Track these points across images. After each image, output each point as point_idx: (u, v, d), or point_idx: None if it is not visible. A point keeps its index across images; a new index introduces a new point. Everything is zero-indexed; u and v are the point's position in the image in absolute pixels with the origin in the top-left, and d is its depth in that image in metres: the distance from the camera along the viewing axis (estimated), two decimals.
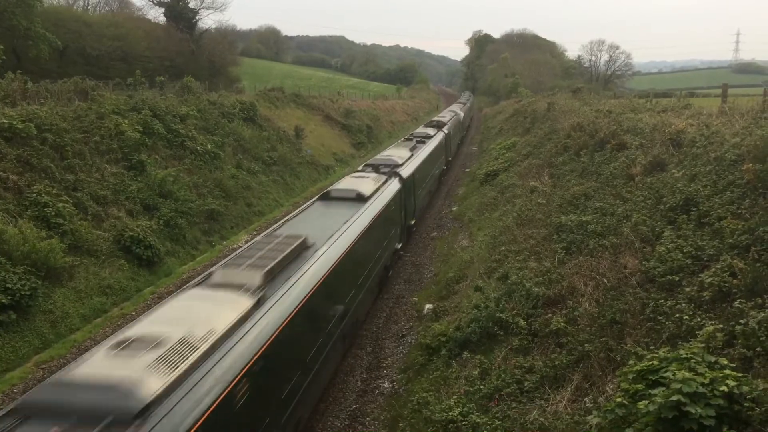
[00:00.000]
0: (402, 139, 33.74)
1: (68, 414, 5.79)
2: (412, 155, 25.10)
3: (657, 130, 16.25)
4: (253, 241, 11.93)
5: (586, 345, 9.17)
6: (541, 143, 27.96)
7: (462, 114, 57.80)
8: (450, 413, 9.68)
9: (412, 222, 23.18)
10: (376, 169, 20.94)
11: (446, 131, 38.23)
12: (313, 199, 16.79)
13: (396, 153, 24.82)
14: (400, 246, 20.57)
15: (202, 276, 10.06)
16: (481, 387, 10.15)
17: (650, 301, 8.85)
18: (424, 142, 29.88)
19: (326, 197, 16.44)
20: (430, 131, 34.76)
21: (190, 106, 30.86)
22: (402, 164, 22.30)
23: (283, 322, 9.02)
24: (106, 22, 52.03)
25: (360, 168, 22.32)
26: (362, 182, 17.67)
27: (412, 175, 22.42)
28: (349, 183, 17.85)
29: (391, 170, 20.72)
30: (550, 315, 10.90)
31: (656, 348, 7.37)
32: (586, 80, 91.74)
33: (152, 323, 7.79)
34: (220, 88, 42.22)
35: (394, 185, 19.29)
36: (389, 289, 18.81)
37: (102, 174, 21.17)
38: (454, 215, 27.36)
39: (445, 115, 49.69)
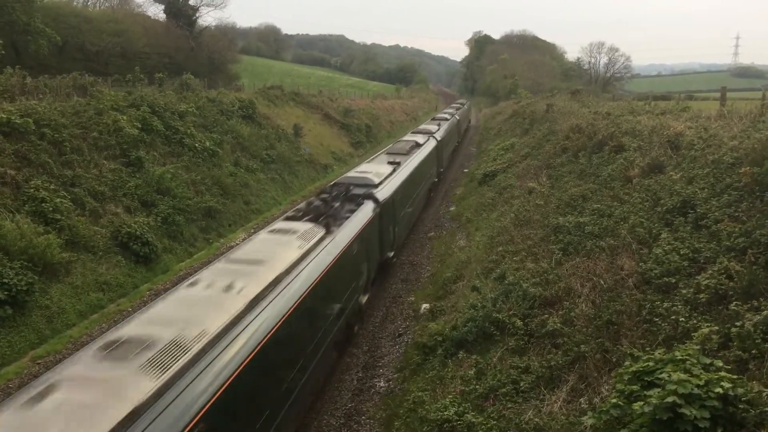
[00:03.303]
0: (382, 152, 26.93)
1: None
2: (391, 173, 20.07)
3: (655, 133, 16.27)
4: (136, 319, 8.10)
5: (582, 346, 9.18)
6: (540, 144, 27.98)
7: (457, 118, 50.97)
8: (445, 413, 9.69)
9: (391, 254, 19.01)
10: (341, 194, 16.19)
11: (436, 140, 32.45)
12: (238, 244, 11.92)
13: (372, 169, 20.11)
14: (365, 300, 15.90)
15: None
16: (477, 387, 10.16)
17: (646, 303, 8.86)
18: (399, 163, 22.49)
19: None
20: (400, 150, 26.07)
21: (189, 103, 30.81)
22: (378, 184, 17.95)
23: None
24: (106, 18, 51.87)
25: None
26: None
27: (392, 197, 18.14)
28: (283, 226, 12.71)
29: (364, 193, 16.52)
30: (546, 315, 10.91)
31: (652, 349, 7.38)
32: (586, 82, 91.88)
33: None
34: (219, 86, 42.16)
35: (361, 217, 14.95)
36: (386, 288, 18.81)
37: (100, 170, 21.14)
38: (451, 215, 27.37)
39: (426, 129, 36.80)
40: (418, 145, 27.93)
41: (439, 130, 36.76)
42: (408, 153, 25.24)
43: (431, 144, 30.57)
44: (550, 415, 8.46)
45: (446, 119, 45.69)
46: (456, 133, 48.84)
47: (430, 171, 29.56)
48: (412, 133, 35.49)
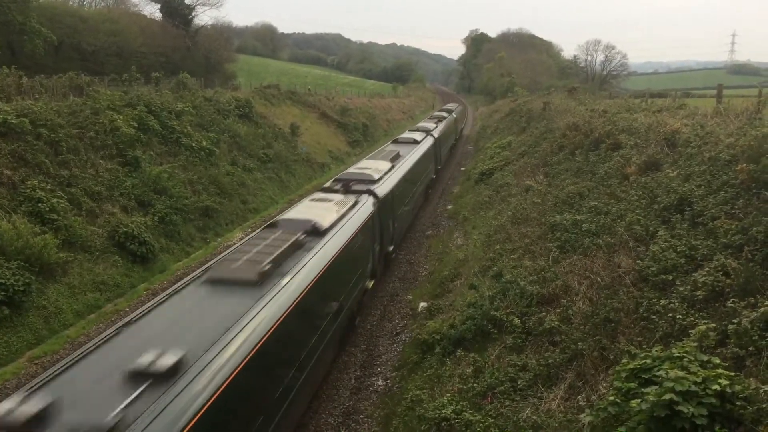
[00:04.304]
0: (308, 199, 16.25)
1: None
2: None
3: (652, 130, 16.28)
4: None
5: (579, 343, 9.18)
6: (537, 142, 27.98)
7: (435, 136, 34.19)
8: (443, 411, 9.68)
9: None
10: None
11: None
12: None
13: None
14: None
15: None
16: (475, 385, 10.16)
17: (644, 300, 8.87)
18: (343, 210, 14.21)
19: None
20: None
21: (186, 102, 30.77)
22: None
23: None
24: (102, 17, 51.79)
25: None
26: None
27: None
28: None
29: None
30: (544, 313, 10.92)
31: (649, 347, 7.39)
32: (582, 80, 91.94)
33: None
34: (215, 85, 42.17)
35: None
36: (383, 288, 18.81)
37: (96, 170, 21.09)
38: (449, 214, 27.38)
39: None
40: (314, 235, 12.48)
41: (390, 173, 20.42)
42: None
43: (365, 211, 15.76)
44: (548, 412, 8.47)
45: (413, 142, 28.99)
46: (432, 159, 32.10)
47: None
48: (333, 181, 18.87)
